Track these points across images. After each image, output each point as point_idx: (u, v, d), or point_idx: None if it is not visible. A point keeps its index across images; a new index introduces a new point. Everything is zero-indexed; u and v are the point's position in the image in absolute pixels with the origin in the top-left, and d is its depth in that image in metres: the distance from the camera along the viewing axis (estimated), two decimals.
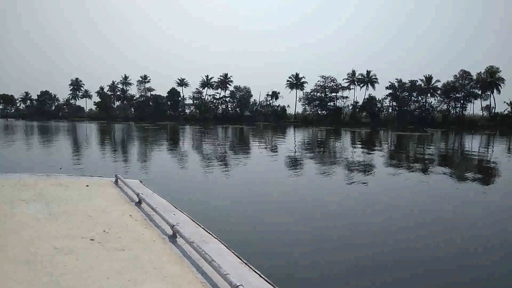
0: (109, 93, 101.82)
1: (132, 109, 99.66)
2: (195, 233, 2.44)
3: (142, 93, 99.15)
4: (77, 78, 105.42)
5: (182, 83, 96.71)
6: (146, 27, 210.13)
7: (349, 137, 38.77)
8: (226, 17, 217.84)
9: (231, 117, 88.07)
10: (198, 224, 2.65)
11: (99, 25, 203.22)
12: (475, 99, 78.59)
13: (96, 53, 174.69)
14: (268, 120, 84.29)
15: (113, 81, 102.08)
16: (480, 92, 76.95)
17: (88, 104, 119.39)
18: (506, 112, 74.77)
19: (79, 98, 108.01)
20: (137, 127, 53.68)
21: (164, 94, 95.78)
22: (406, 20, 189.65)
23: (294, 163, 16.48)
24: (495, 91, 74.77)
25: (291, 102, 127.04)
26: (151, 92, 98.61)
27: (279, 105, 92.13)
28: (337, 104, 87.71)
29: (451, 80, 77.91)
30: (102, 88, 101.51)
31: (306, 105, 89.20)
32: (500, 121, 70.72)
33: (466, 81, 76.96)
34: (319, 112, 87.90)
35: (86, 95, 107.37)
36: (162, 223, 2.54)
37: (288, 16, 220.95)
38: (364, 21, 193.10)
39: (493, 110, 76.61)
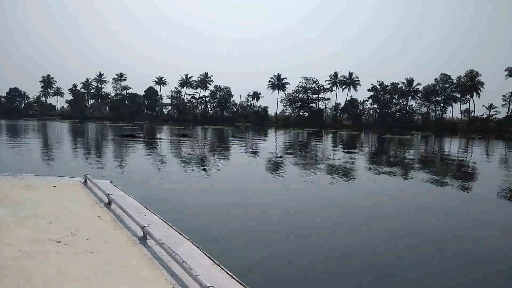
0: (82, 90, 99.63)
1: (107, 108, 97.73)
2: (166, 234, 2.44)
3: (118, 92, 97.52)
4: (48, 75, 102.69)
5: (160, 81, 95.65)
6: (122, 23, 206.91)
7: (331, 140, 39.27)
8: (206, 21, 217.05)
9: (211, 118, 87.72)
10: (170, 226, 2.64)
11: (72, 19, 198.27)
12: (455, 103, 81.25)
13: (69, 48, 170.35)
14: (249, 121, 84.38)
15: (87, 79, 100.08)
16: (459, 96, 79.55)
17: (60, 102, 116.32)
18: (485, 115, 77.61)
19: (51, 96, 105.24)
20: (112, 126, 52.69)
21: (141, 92, 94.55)
22: (391, 24, 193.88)
23: (272, 166, 16.56)
24: (475, 95, 77.49)
25: (273, 103, 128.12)
26: (128, 91, 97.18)
27: (260, 106, 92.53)
28: (319, 106, 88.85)
29: (431, 83, 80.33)
30: (75, 86, 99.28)
31: (288, 106, 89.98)
32: (480, 125, 73.28)
33: (447, 85, 79.46)
34: (301, 113, 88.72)
35: (58, 92, 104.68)
36: (133, 225, 2.53)
37: (271, 24, 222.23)
38: (348, 26, 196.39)
39: (473, 114, 79.40)
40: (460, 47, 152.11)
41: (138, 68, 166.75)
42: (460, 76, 78.25)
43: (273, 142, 32.83)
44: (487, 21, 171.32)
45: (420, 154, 25.31)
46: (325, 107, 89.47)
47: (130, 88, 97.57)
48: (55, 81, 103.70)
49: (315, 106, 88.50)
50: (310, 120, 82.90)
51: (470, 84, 76.12)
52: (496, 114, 77.00)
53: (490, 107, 77.15)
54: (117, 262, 2.02)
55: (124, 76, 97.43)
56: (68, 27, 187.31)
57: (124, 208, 2.70)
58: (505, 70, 75.30)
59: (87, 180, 3.66)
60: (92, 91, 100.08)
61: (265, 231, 6.75)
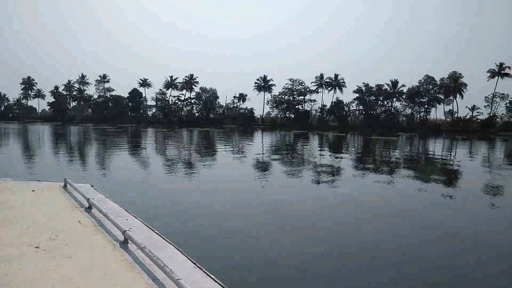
0: (64, 93, 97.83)
1: (90, 110, 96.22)
2: (148, 238, 2.43)
3: (101, 94, 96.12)
4: (29, 77, 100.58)
5: (144, 83, 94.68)
6: (104, 23, 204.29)
7: (317, 142, 39.55)
8: (193, 21, 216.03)
9: (197, 120, 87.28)
10: (152, 230, 2.64)
11: (52, 20, 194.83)
12: (439, 104, 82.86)
13: (51, 50, 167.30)
14: (235, 123, 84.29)
15: (69, 80, 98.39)
16: (443, 97, 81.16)
17: (41, 105, 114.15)
18: (468, 116, 79.37)
19: (31, 98, 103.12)
20: (95, 129, 51.91)
21: (125, 94, 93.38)
22: (377, 27, 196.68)
23: (259, 167, 16.59)
24: (458, 96, 79.15)
25: (259, 104, 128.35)
26: (111, 93, 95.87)
27: (246, 107, 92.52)
28: (305, 108, 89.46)
29: (415, 85, 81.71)
30: (56, 88, 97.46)
31: (274, 108, 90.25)
32: (463, 126, 74.92)
33: (430, 86, 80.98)
34: (287, 115, 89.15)
35: (39, 95, 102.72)
36: (114, 229, 2.51)
37: (256, 25, 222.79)
38: (335, 29, 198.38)
39: (456, 115, 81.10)
40: (444, 49, 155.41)
41: (122, 70, 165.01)
42: (444, 77, 79.94)
43: (260, 145, 32.87)
44: (470, 24, 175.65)
45: (412, 154, 25.74)
46: (311, 109, 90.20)
47: (113, 90, 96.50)
48: (36, 83, 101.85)
49: (301, 108, 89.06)
50: (296, 121, 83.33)
51: (453, 85, 77.75)
52: (478, 115, 78.93)
53: (473, 108, 78.95)
54: (97, 267, 2.00)
55: (108, 77, 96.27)
56: (49, 29, 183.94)
57: (104, 212, 2.68)
58: (487, 71, 77.32)
59: (67, 184, 3.62)
60: (75, 93, 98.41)
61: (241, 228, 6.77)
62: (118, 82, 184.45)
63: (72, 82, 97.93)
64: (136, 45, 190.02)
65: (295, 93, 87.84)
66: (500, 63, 75.98)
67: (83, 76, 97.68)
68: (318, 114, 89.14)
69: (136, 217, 2.88)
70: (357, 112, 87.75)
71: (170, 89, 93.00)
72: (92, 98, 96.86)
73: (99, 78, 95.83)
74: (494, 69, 76.45)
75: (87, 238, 2.41)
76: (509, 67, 75.53)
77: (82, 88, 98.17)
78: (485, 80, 77.88)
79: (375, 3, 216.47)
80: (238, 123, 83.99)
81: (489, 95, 78.37)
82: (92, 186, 3.74)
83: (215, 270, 2.19)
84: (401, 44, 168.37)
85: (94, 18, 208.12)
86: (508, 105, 76.51)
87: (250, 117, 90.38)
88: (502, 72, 75.92)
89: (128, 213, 2.96)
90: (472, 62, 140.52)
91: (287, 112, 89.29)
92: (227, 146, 28.68)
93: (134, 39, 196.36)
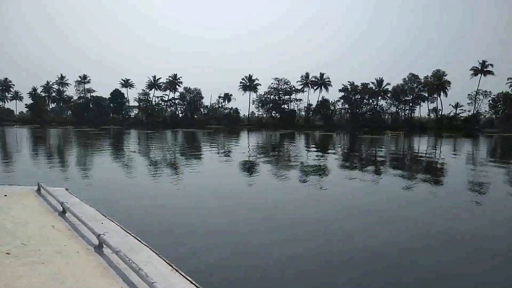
0: (43, 94, 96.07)
1: (70, 112, 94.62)
2: (124, 242, 2.41)
3: (81, 95, 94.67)
4: (6, 78, 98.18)
5: (126, 84, 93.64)
6: (85, 22, 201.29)
7: (303, 141, 39.82)
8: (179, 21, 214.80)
9: (181, 121, 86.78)
10: (128, 233, 2.61)
11: (30, 19, 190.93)
12: (423, 102, 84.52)
13: (29, 50, 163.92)
14: (221, 123, 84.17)
15: (47, 81, 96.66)
16: (427, 95, 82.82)
17: (19, 107, 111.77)
18: (452, 114, 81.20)
19: (8, 101, 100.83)
20: (75, 131, 51.07)
21: (107, 95, 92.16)
22: (362, 26, 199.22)
23: (243, 169, 16.61)
24: (442, 94, 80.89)
25: (245, 104, 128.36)
26: (92, 94, 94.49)
27: (232, 107, 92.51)
28: (291, 107, 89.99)
29: (400, 83, 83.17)
30: (35, 89, 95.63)
31: (260, 108, 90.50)
32: (447, 123, 76.60)
33: (415, 84, 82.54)
34: (273, 114, 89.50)
35: (16, 97, 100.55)
36: (88, 233, 2.49)
37: (243, 25, 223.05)
38: (321, 28, 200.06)
39: (440, 112, 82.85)
40: (428, 46, 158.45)
41: (103, 70, 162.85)
42: (428, 76, 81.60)
43: (246, 145, 32.89)
44: (455, 22, 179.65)
45: (401, 152, 26.18)
46: (297, 108, 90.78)
47: (94, 91, 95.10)
48: (13, 85, 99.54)
49: (287, 107, 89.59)
50: (282, 121, 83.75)
51: (437, 83, 79.42)
52: (462, 112, 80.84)
53: (457, 105, 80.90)
54: (70, 273, 1.98)
55: (88, 78, 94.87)
56: (26, 28, 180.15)
57: (79, 216, 2.65)
58: (470, 69, 79.29)
59: (41, 188, 3.55)
60: (54, 94, 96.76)
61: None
62: (99, 82, 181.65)
63: (50, 83, 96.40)
64: (119, 44, 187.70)
65: (280, 92, 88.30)
66: (483, 60, 78.21)
67: (62, 77, 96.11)
68: (304, 113, 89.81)
69: (112, 221, 2.85)
70: (342, 110, 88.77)
71: (153, 89, 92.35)
72: (72, 100, 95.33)
73: (79, 79, 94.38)
74: (477, 67, 78.56)
75: (60, 243, 2.37)
76: (491, 65, 77.81)
77: (62, 89, 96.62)
78: (468, 77, 79.94)
79: (359, 2, 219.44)
80: (223, 123, 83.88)
81: (472, 92, 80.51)
82: (67, 189, 3.68)
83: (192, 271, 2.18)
84: (386, 42, 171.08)
85: (76, 16, 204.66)
86: (491, 102, 78.66)
87: (236, 117, 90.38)
88: (484, 69, 78.01)
89: (104, 217, 2.93)
90: (456, 60, 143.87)
91: (273, 112, 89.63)
92: (212, 148, 28.62)
93: (116, 38, 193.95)
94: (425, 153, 25.94)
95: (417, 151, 28.81)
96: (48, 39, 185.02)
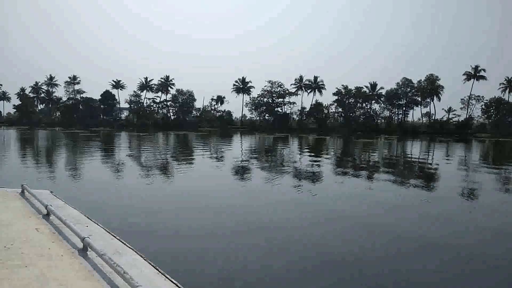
0: (31, 95, 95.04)
1: (59, 114, 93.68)
2: (109, 245, 2.41)
3: (71, 96, 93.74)
4: None
5: (118, 85, 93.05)
6: (75, 23, 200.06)
7: (297, 145, 39.93)
8: (171, 21, 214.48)
9: (173, 123, 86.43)
10: (113, 236, 2.61)
11: (22, 17, 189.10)
12: (416, 106, 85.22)
13: (17, 50, 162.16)
14: (213, 126, 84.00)
15: (36, 82, 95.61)
16: (420, 99, 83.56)
17: (6, 108, 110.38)
18: (445, 118, 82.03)
19: None
20: (64, 133, 50.60)
21: (97, 97, 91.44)
22: (355, 30, 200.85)
23: (230, 172, 16.61)
24: (435, 98, 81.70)
25: (238, 107, 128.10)
26: (82, 95, 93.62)
27: (224, 110, 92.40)
28: (285, 110, 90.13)
29: (394, 88, 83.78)
30: (23, 90, 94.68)
31: (253, 110, 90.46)
32: (440, 128, 77.35)
33: (408, 89, 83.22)
34: (266, 117, 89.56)
35: (4, 97, 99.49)
36: (73, 237, 2.48)
37: (239, 25, 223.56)
38: (314, 31, 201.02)
39: (433, 117, 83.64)
40: (422, 51, 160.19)
41: (94, 71, 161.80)
42: (421, 80, 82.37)
43: (238, 150, 32.87)
44: (448, 27, 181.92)
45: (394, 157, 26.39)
46: (290, 111, 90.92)
47: (84, 92, 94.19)
48: (1, 85, 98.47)
49: (281, 110, 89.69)
50: (276, 124, 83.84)
51: (430, 88, 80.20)
52: (455, 117, 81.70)
53: (449, 110, 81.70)
54: (53, 276, 1.97)
55: (78, 79, 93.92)
56: (15, 26, 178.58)
57: (63, 219, 2.64)
58: (463, 74, 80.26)
59: (25, 190, 3.52)
60: (42, 95, 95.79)
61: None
62: (90, 83, 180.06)
63: (39, 83, 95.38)
64: (110, 44, 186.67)
65: (274, 95, 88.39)
66: (475, 65, 79.20)
67: (51, 78, 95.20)
68: (298, 116, 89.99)
69: (97, 224, 2.84)
70: (336, 114, 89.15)
71: (145, 91, 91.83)
72: (61, 101, 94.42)
73: (69, 80, 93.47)
74: (470, 72, 79.51)
75: (44, 246, 2.36)
76: (484, 70, 78.87)
77: (51, 90, 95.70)
78: (461, 82, 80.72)
79: (352, 5, 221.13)
80: (216, 126, 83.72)
81: (465, 97, 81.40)
82: (51, 192, 3.66)
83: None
84: (379, 47, 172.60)
85: (69, 15, 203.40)
86: (483, 107, 79.66)
87: (228, 120, 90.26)
88: (477, 74, 79.00)
89: (89, 220, 2.91)
90: (449, 65, 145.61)
91: (266, 115, 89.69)
92: (205, 151, 28.56)
93: (108, 37, 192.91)
94: (418, 158, 26.15)
95: (410, 155, 29.07)
96: (39, 37, 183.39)
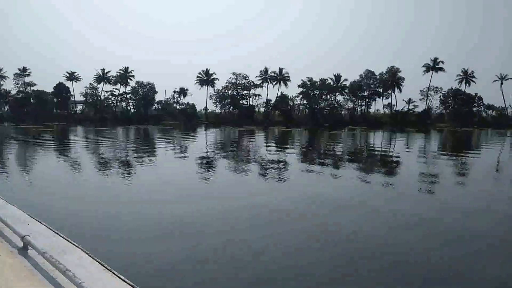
0: None
1: (7, 108, 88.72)
2: (52, 243, 2.33)
3: (21, 89, 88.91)
4: None
5: (72, 77, 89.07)
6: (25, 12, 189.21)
7: (263, 138, 40.21)
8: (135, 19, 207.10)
9: (133, 117, 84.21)
10: (57, 233, 2.52)
11: None
12: (379, 97, 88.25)
13: None
14: (176, 119, 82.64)
15: None
16: (382, 91, 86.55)
17: None
18: (405, 109, 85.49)
19: None
20: (14, 129, 48.07)
21: (50, 90, 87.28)
22: (320, 21, 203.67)
23: (195, 168, 16.52)
24: (396, 90, 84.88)
25: (202, 99, 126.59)
26: (33, 88, 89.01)
27: (188, 103, 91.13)
28: (250, 102, 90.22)
29: (357, 79, 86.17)
30: None
31: (218, 103, 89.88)
32: (401, 119, 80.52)
33: (371, 80, 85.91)
34: (231, 110, 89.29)
35: None
36: (13, 236, 2.38)
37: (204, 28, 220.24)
38: (281, 22, 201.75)
39: (395, 108, 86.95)
40: (385, 43, 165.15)
41: (46, 63, 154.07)
42: (383, 72, 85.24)
43: (203, 144, 32.65)
44: (409, 20, 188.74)
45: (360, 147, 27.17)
46: (256, 104, 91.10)
47: (35, 84, 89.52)
48: None
49: (246, 103, 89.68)
50: (241, 117, 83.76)
51: (392, 79, 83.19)
52: (415, 108, 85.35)
53: (409, 101, 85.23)
54: None
55: (28, 71, 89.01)
56: None
57: (2, 218, 2.52)
58: (423, 66, 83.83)
59: None
60: None
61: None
62: (42, 76, 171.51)
63: None
64: (62, 34, 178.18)
65: (239, 87, 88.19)
66: (434, 58, 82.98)
67: None
68: (263, 109, 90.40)
69: (39, 222, 2.73)
70: (301, 106, 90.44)
71: (102, 83, 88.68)
72: (10, 94, 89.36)
73: (18, 72, 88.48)
74: (429, 64, 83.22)
75: None
76: (442, 62, 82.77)
77: None
78: (421, 74, 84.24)
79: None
80: (179, 119, 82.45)
81: (424, 88, 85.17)
82: None
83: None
84: (343, 39, 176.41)
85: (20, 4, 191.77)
86: (441, 98, 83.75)
87: (192, 113, 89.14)
88: (436, 66, 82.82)
89: (31, 218, 2.80)
90: (410, 56, 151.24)
91: (231, 108, 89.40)
92: (168, 145, 28.14)
93: (60, 27, 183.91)
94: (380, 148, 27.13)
95: (373, 145, 30.08)
96: None
